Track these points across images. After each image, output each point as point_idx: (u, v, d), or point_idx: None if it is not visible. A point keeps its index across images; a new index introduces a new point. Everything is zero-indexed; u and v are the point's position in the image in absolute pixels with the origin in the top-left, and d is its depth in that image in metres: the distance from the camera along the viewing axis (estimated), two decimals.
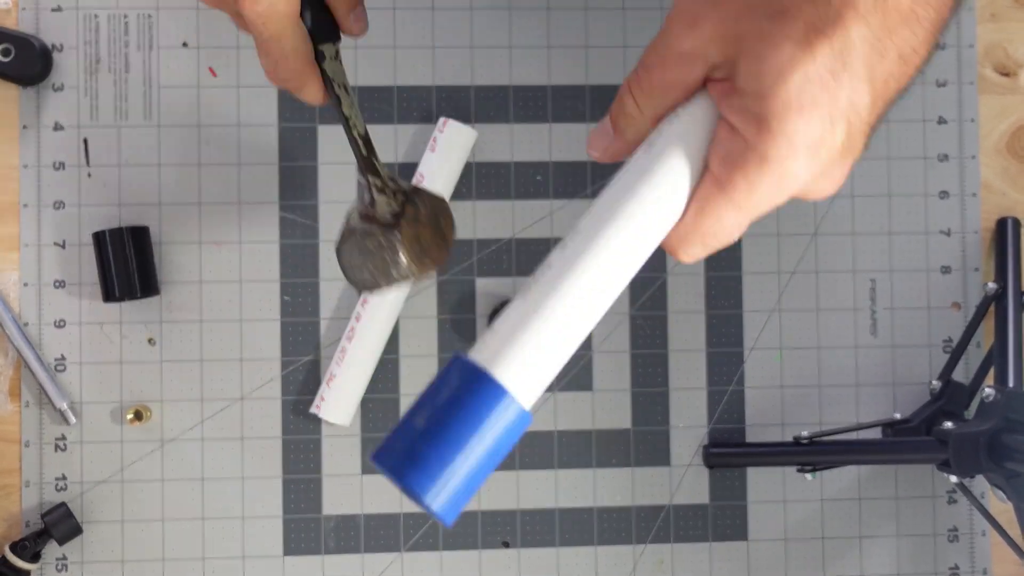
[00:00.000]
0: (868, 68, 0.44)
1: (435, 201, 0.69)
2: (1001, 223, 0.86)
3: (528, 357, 0.44)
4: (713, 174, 0.46)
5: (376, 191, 0.67)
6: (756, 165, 0.45)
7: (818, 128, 0.45)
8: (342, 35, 0.64)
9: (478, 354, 0.44)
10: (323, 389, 0.81)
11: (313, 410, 0.81)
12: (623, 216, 0.45)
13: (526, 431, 0.44)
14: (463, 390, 0.42)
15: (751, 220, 0.48)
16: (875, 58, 0.44)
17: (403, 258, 0.67)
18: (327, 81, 0.64)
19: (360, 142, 0.67)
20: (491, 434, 0.42)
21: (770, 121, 0.44)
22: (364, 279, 0.68)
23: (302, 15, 0.60)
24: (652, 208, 0.46)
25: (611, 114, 0.49)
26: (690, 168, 0.46)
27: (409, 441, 0.41)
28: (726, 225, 0.47)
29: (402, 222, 0.67)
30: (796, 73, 0.44)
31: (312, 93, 0.63)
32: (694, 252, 0.49)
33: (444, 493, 0.41)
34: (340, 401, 0.81)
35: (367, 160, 0.67)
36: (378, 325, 0.81)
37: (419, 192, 0.69)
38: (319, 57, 0.63)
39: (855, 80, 0.44)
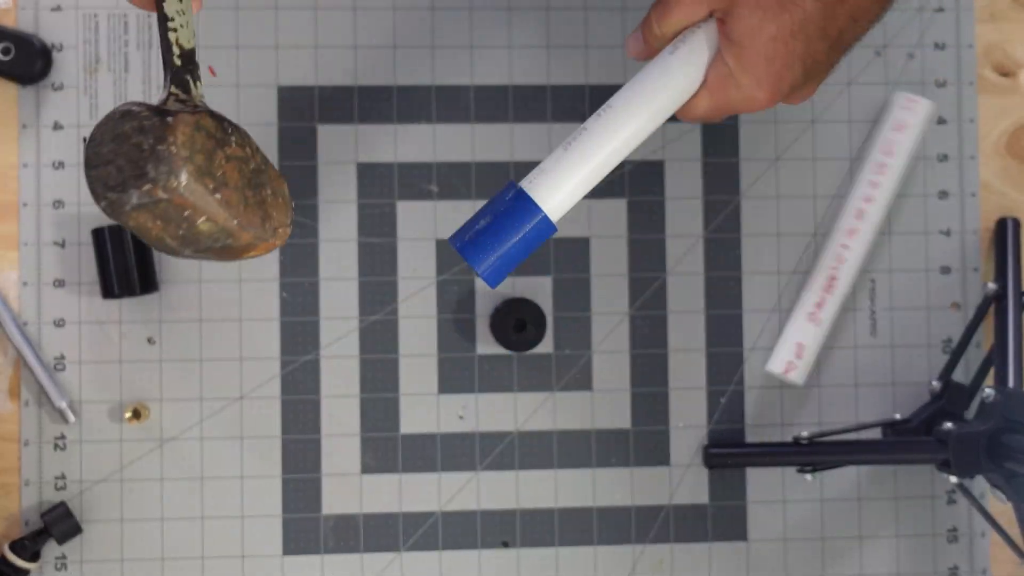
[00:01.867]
0: (821, 28, 0.62)
1: (263, 160, 0.57)
2: (1001, 223, 0.86)
3: (560, 189, 0.63)
4: (707, 84, 0.65)
5: (174, 99, 0.56)
6: (734, 87, 0.64)
7: (778, 69, 0.63)
8: None
9: (527, 182, 0.64)
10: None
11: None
12: (642, 102, 0.65)
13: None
14: (512, 205, 0.63)
15: (720, 113, 0.67)
16: (827, 21, 0.62)
17: (173, 150, 0.51)
18: None
19: (176, 50, 0.56)
20: (526, 235, 0.63)
21: (745, 63, 0.63)
22: (110, 177, 0.52)
23: None
24: (663, 99, 0.65)
25: (641, 28, 0.67)
26: (695, 73, 0.65)
27: (473, 232, 0.63)
28: (702, 113, 0.66)
29: (183, 116, 0.53)
30: (764, 33, 0.62)
31: None
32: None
33: (490, 266, 0.63)
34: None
35: (177, 71, 0.56)
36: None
37: (247, 138, 0.56)
38: None
39: (810, 38, 0.62)
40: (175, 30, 0.56)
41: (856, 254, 0.84)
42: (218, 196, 0.53)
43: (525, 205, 0.63)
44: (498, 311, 0.83)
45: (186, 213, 0.52)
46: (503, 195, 0.64)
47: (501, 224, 0.63)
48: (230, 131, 0.56)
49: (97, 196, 0.52)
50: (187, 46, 0.56)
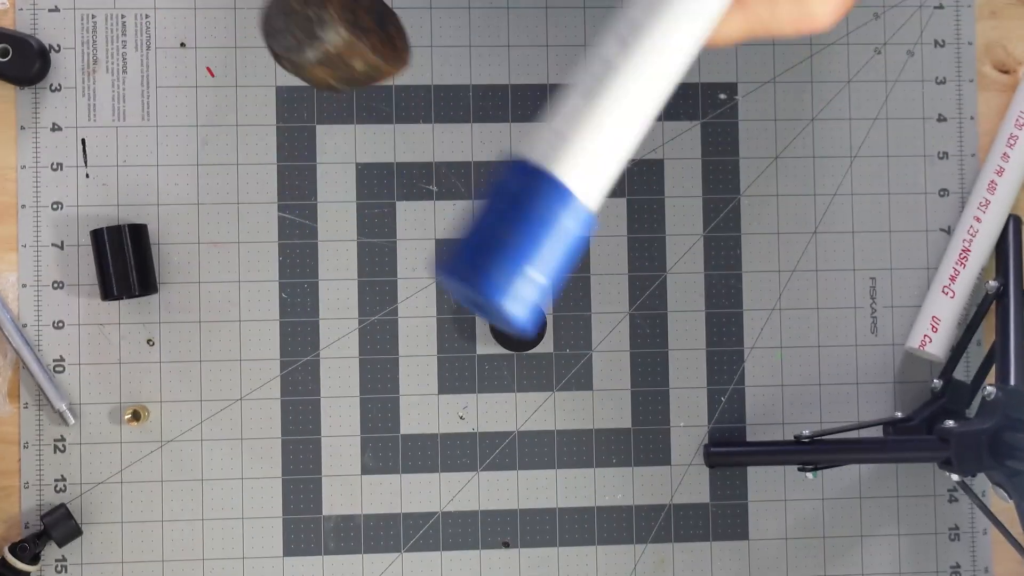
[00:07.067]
0: None
1: (379, 1, 0.68)
2: None
3: (589, 153, 0.40)
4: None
5: None
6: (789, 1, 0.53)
7: None
8: None
9: (536, 153, 0.39)
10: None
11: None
12: (674, 20, 0.44)
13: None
14: (525, 194, 0.39)
15: (755, 35, 0.56)
16: None
17: (332, 14, 0.63)
18: None
19: None
20: (556, 237, 0.39)
21: None
22: (288, 43, 0.64)
23: None
24: (697, 12, 0.45)
25: None
26: None
27: (479, 250, 0.38)
28: (736, 37, 0.55)
29: None
30: None
31: None
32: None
33: (518, 299, 0.38)
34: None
35: None
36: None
37: None
38: None
39: None
40: None
41: (989, 226, 0.85)
42: (366, 42, 0.65)
43: (548, 190, 0.39)
44: None
45: (347, 60, 0.65)
46: (508, 183, 0.40)
47: (513, 228, 0.39)
48: None
49: (279, 59, 0.65)
50: None
